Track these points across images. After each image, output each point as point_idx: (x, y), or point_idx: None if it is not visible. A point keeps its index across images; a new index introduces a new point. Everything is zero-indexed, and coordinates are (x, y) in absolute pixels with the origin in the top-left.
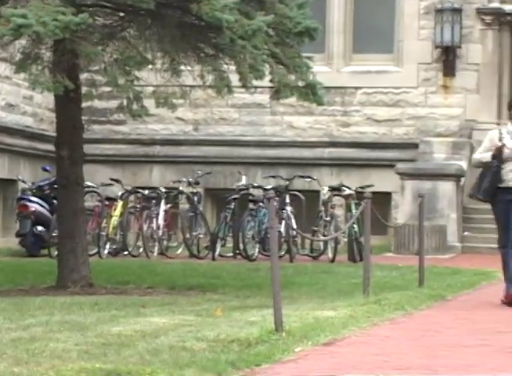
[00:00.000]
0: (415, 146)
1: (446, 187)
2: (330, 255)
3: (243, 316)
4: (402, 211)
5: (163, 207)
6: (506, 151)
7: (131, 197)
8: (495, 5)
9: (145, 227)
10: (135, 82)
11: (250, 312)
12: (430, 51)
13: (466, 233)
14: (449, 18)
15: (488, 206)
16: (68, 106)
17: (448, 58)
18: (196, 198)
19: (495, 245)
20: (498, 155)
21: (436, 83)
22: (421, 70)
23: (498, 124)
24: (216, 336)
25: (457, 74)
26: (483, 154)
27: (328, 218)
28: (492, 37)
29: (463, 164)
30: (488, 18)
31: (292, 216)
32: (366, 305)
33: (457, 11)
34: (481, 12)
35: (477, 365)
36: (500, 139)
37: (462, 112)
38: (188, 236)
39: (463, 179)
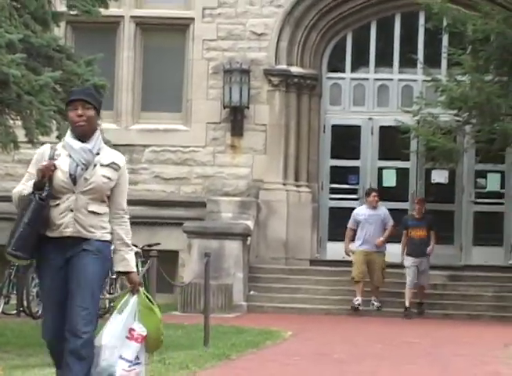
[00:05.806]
0: (203, 204)
1: (233, 246)
2: None
3: (24, 375)
4: (189, 270)
5: None
6: (59, 176)
7: None
8: (283, 66)
9: None
10: None
11: (31, 371)
12: (219, 111)
13: (252, 292)
14: (238, 79)
15: (274, 265)
16: None
17: (236, 118)
18: None
19: (282, 305)
20: (41, 183)
21: (224, 142)
22: (209, 130)
23: (284, 184)
24: None
25: (245, 133)
26: (26, 184)
27: (114, 276)
28: (279, 98)
29: (250, 224)
30: (275, 79)
31: None
32: (150, 364)
33: (245, 72)
34: (268, 73)
35: None
36: (53, 157)
37: (249, 172)
38: None
39: (249, 238)
